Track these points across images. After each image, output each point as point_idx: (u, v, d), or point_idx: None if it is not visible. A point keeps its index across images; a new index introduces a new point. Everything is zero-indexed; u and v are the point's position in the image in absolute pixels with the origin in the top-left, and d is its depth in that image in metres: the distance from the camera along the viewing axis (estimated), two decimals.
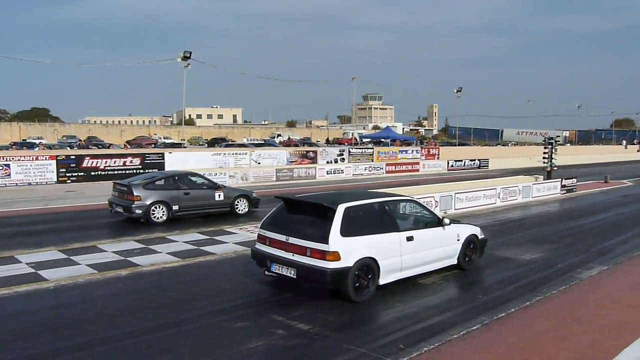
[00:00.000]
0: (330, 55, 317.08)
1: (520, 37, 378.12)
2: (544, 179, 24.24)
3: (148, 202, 14.69)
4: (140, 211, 14.63)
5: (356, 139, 69.05)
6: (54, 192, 22.96)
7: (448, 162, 41.00)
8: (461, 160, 42.18)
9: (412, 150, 44.22)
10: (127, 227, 14.60)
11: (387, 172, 36.15)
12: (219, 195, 16.28)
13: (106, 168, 26.66)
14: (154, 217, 14.88)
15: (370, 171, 35.24)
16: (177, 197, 15.29)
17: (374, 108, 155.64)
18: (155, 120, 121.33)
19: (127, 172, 26.74)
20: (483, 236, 10.57)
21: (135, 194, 14.60)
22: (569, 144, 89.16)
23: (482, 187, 19.80)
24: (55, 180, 25.29)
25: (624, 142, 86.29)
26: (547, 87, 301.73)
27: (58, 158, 25.80)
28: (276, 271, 8.45)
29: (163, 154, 29.05)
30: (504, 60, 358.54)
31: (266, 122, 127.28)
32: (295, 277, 8.13)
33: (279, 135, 79.48)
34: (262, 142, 59.47)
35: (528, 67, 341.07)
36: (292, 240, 8.19)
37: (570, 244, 12.77)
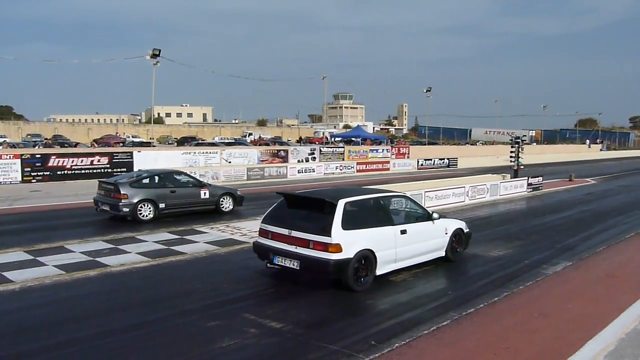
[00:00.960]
0: (301, 54, 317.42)
1: (488, 38, 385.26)
2: (511, 178, 24.74)
3: (135, 200, 14.69)
4: (128, 209, 14.60)
5: (327, 138, 69.21)
6: (19, 192, 22.36)
7: (418, 161, 41.46)
8: (431, 159, 42.70)
9: (383, 150, 44.59)
10: (96, 227, 14.36)
11: (357, 171, 36.36)
12: (205, 193, 16.36)
13: (73, 167, 26.11)
14: (141, 215, 14.86)
15: (341, 170, 35.38)
16: (163, 195, 15.34)
17: (345, 107, 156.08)
18: (123, 119, 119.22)
19: (95, 171, 26.29)
20: (468, 230, 11.16)
21: (122, 192, 14.58)
22: (535, 143, 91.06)
23: (451, 186, 20.11)
24: (20, 179, 24.65)
25: (588, 141, 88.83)
26: (513, 87, 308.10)
27: (23, 157, 25.16)
28: (279, 263, 8.78)
29: (132, 153, 28.61)
30: (472, 61, 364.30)
31: (237, 121, 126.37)
32: (298, 268, 8.50)
33: (250, 134, 79.10)
34: (233, 140, 59.08)
35: (495, 68, 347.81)
36: (295, 233, 8.57)
37: (536, 240, 13.08)
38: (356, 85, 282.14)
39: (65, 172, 25.88)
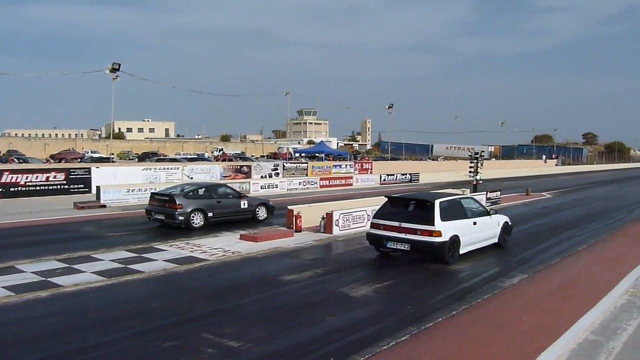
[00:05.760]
0: (264, 70, 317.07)
1: (448, 56, 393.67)
2: (470, 192, 25.18)
3: (189, 210, 16.36)
4: (183, 218, 16.28)
5: (291, 153, 69.26)
6: None
7: (381, 177, 41.81)
8: (393, 175, 43.14)
9: (346, 165, 44.85)
10: (50, 246, 13.87)
11: (321, 186, 36.39)
12: (244, 203, 18.16)
13: (27, 184, 25.20)
14: (193, 223, 16.51)
15: (304, 185, 35.35)
16: (211, 205, 17.06)
17: (309, 123, 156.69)
18: (82, 134, 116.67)
19: (50, 187, 25.49)
20: (510, 223, 14.43)
21: (177, 202, 16.29)
22: (494, 159, 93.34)
23: None
24: None
25: (544, 156, 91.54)
26: (473, 104, 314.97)
27: None
28: (392, 247, 12.01)
29: (90, 169, 27.84)
30: (432, 79, 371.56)
31: (200, 137, 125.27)
32: (408, 249, 11.72)
33: (220, 149, 78.45)
34: (195, 156, 58.45)
35: (455, 85, 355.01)
36: (404, 224, 11.75)
37: (493, 254, 13.32)
38: (320, 101, 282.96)
39: (19, 188, 24.95)
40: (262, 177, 35.26)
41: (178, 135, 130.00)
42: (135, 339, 7.16)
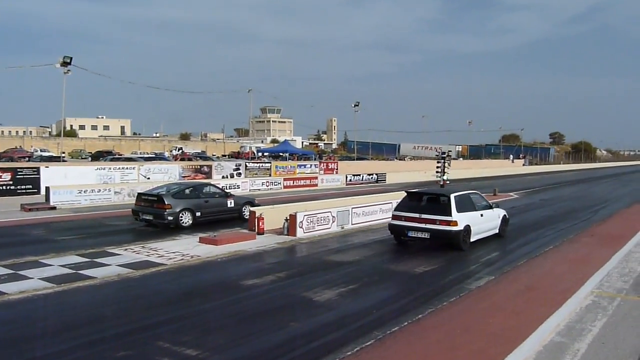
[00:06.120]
0: (226, 67, 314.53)
1: (415, 54, 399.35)
2: None
3: (177, 210, 17.04)
4: (172, 218, 16.90)
5: (254, 152, 68.94)
6: None
7: (346, 177, 42.04)
8: (359, 175, 43.43)
9: (311, 165, 44.91)
10: None
11: (285, 187, 36.33)
12: (230, 202, 19.07)
13: None
14: (182, 223, 17.15)
15: (267, 186, 35.22)
16: (199, 204, 17.84)
17: (273, 121, 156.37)
18: (31, 131, 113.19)
19: None
20: (507, 216, 16.93)
21: (166, 202, 16.91)
22: (461, 159, 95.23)
23: (378, 202, 20.48)
24: None
25: (511, 156, 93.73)
26: (440, 103, 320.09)
27: None
28: (412, 235, 14.05)
29: (38, 168, 27.08)
30: (400, 77, 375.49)
31: (158, 135, 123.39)
32: (428, 237, 13.82)
33: (180, 148, 77.47)
34: (153, 155, 57.54)
35: (423, 84, 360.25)
36: (424, 216, 13.90)
37: (460, 255, 13.54)
38: (284, 99, 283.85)
39: None
40: (223, 177, 34.98)
41: (134, 134, 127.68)
42: (86, 349, 6.98)
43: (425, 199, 14.77)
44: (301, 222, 15.93)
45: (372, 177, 44.07)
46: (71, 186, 24.45)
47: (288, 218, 15.99)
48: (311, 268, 12.05)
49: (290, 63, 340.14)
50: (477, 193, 16.14)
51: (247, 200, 20.30)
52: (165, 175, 32.43)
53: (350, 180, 41.82)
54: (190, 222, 17.35)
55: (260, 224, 15.94)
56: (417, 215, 13.98)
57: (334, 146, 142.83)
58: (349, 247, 14.77)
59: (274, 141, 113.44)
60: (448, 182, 27.80)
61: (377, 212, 19.53)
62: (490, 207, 15.76)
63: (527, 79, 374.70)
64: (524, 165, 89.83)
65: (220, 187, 20.87)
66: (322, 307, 9.05)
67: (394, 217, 14.67)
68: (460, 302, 9.43)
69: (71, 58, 36.38)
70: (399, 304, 9.32)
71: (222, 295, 9.69)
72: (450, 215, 13.60)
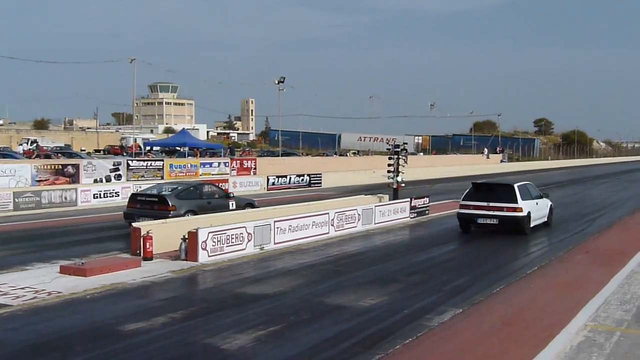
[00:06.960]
0: (100, 27, 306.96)
1: (360, 15, 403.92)
2: (389, 200, 25.98)
3: (182, 212, 20.18)
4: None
5: (140, 146, 67.68)
6: None
7: (268, 179, 42.05)
8: (286, 176, 43.53)
9: (219, 163, 44.49)
10: None
11: None
12: (232, 204, 22.57)
13: None
14: None
15: None
16: (203, 206, 21.27)
17: (167, 103, 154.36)
18: None
19: None
20: (553, 206, 24.25)
21: (170, 204, 20.11)
22: (422, 153, 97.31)
23: (310, 212, 20.61)
24: None
25: (486, 150, 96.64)
26: (393, 81, 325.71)
27: None
28: (482, 222, 20.75)
29: None
30: (340, 44, 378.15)
31: (1, 122, 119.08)
32: (497, 223, 20.40)
33: (34, 141, 74.88)
34: None
35: (370, 54, 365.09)
36: (492, 204, 20.37)
37: (419, 282, 13.85)
38: (182, 73, 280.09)
39: None
40: (95, 181, 34.12)
41: None
42: None
43: (491, 189, 21.67)
44: (204, 241, 15.78)
45: (303, 180, 44.33)
46: None
47: (186, 236, 15.80)
48: (218, 305, 11.98)
49: (191, 24, 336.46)
50: (531, 184, 23.10)
51: (248, 201, 24.24)
52: (11, 179, 31.15)
53: (274, 183, 41.94)
54: None
55: (147, 246, 15.63)
56: (485, 203, 20.47)
57: (252, 137, 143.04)
58: (270, 275, 14.80)
59: (168, 130, 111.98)
60: (403, 185, 28.17)
61: (310, 226, 19.66)
62: (541, 196, 22.64)
63: (507, 50, 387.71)
64: (502, 161, 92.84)
65: (218, 186, 25.05)
66: (233, 357, 9.00)
67: (462, 207, 21.37)
68: (418, 345, 9.59)
69: None
70: (337, 349, 9.37)
71: (90, 347, 9.43)
72: (516, 202, 20.10)
